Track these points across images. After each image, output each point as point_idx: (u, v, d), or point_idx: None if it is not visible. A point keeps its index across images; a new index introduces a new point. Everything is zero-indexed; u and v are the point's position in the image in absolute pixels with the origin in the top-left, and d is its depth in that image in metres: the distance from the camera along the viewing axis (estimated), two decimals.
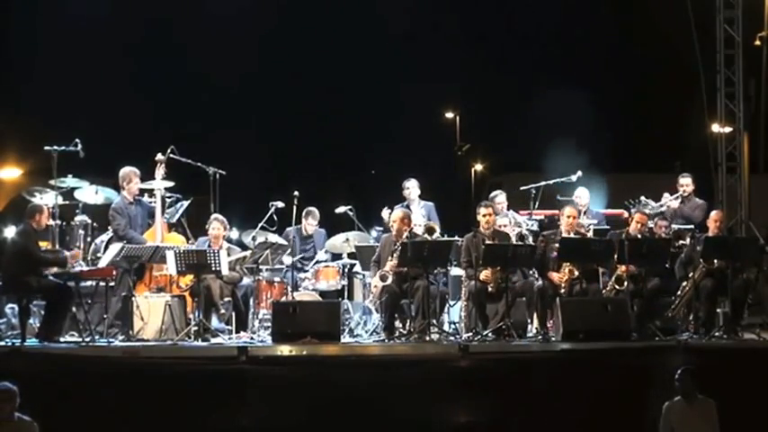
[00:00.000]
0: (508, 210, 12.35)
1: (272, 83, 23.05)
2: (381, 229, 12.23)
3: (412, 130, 24.97)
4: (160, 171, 11.35)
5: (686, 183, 12.41)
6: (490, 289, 10.52)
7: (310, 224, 12.29)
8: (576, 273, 10.57)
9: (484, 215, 10.88)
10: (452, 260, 11.31)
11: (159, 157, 11.40)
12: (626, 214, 12.35)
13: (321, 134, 24.95)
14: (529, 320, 10.86)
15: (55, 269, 10.33)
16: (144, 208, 11.46)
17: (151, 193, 11.48)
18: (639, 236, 10.90)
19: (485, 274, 10.52)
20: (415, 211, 12.00)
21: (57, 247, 11.51)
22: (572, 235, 10.84)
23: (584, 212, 12.41)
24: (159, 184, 11.34)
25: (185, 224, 12.11)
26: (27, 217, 10.39)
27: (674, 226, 11.80)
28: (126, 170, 11.35)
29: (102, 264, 10.70)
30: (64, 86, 19.24)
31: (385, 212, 11.92)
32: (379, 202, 12.45)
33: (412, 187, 12.35)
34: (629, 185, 15.29)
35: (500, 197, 12.43)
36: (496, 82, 24.01)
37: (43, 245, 11.32)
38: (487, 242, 10.58)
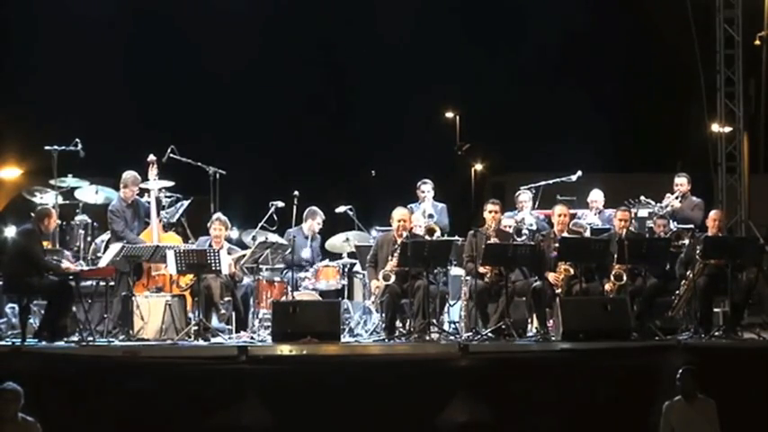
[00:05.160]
0: (533, 210, 12.37)
1: (273, 83, 23.02)
2: (382, 228, 12.22)
3: (412, 130, 24.96)
4: (153, 171, 11.42)
5: (681, 182, 12.42)
6: (486, 279, 10.53)
7: (318, 224, 12.26)
8: (572, 272, 10.57)
9: (490, 211, 10.90)
10: (452, 260, 11.32)
11: (151, 157, 11.49)
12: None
13: (321, 134, 24.92)
14: (529, 320, 10.86)
15: None
16: (142, 208, 11.47)
17: (145, 192, 11.50)
18: (628, 232, 10.88)
19: (485, 267, 10.53)
20: (427, 212, 12.06)
21: (57, 246, 11.54)
22: (565, 234, 10.84)
23: (598, 213, 12.42)
24: (153, 184, 11.39)
25: (185, 224, 12.12)
26: (36, 219, 10.37)
27: (675, 225, 11.81)
28: (128, 176, 11.36)
29: (102, 264, 10.71)
30: (64, 86, 19.22)
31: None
32: (379, 202, 12.43)
33: (428, 189, 12.37)
34: (629, 185, 15.30)
35: (523, 195, 12.49)
36: (496, 82, 23.98)
37: (44, 244, 11.34)
38: (489, 242, 10.59)
